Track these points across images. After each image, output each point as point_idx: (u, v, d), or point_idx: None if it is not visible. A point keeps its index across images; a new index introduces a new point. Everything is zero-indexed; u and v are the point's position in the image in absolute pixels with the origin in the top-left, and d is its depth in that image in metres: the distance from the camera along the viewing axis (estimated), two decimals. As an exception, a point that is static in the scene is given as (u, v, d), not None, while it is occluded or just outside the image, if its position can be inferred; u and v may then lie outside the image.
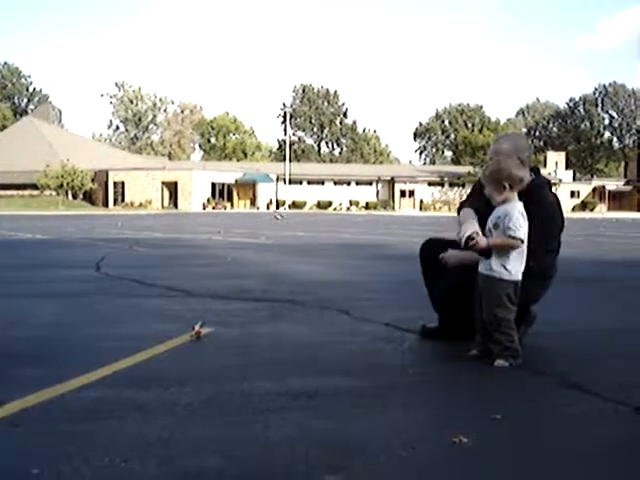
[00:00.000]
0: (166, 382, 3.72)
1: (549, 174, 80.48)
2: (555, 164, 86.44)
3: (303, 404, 3.39)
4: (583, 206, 79.14)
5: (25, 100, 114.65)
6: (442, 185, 78.34)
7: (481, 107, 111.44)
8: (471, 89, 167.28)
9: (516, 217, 4.09)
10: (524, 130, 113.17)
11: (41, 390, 3.51)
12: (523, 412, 3.35)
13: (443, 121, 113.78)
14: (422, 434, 3.00)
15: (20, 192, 66.48)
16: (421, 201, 76.44)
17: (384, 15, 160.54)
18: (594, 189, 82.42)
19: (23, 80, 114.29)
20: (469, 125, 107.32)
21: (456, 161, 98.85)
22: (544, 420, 3.22)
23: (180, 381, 3.75)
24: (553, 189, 4.75)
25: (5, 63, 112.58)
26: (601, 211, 73.45)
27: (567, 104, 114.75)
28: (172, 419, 3.13)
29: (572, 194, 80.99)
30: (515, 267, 4.15)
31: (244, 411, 3.26)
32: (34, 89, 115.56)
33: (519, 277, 4.18)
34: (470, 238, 4.20)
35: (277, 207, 72.58)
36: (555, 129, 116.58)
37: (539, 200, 4.42)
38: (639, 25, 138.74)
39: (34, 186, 65.07)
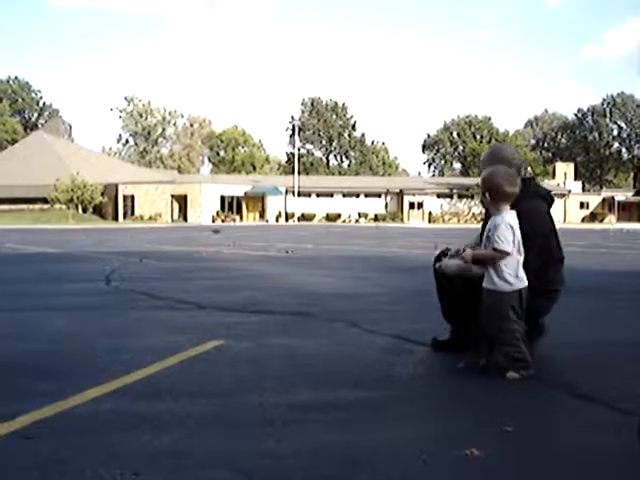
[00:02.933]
0: (177, 394, 3.73)
1: (558, 185, 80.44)
2: (564, 175, 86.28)
3: (314, 416, 3.39)
4: (592, 217, 78.88)
5: (35, 115, 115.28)
6: (451, 197, 78.22)
7: (489, 119, 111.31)
8: (479, 101, 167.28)
9: (502, 229, 4.08)
10: (533, 142, 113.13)
11: (53, 403, 3.53)
12: (535, 424, 3.34)
13: (451, 133, 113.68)
14: (433, 446, 3.00)
15: (30, 206, 66.70)
16: (430, 213, 76.32)
17: (392, 28, 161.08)
18: (603, 200, 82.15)
19: (33, 95, 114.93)
20: (477, 137, 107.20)
21: (465, 173, 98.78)
22: (556, 432, 3.21)
23: (191, 393, 3.76)
24: (557, 198, 4.75)
25: (15, 78, 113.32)
26: (610, 222, 73.18)
27: (575, 115, 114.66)
28: (183, 432, 3.13)
29: (581, 205, 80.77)
30: (515, 277, 4.12)
31: (255, 423, 3.26)
32: (44, 104, 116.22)
33: (521, 285, 4.14)
34: (457, 252, 4.28)
35: (286, 220, 72.63)
36: (564, 140, 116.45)
37: (517, 212, 4.35)
38: (637, 40, 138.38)
39: (44, 200, 65.25)
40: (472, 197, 77.69)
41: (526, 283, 4.17)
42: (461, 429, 3.25)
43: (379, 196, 78.37)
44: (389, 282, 9.98)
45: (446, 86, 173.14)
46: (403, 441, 3.07)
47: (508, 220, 4.12)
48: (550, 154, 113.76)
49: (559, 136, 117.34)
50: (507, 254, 4.09)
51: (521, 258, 4.15)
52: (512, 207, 4.27)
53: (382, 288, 9.09)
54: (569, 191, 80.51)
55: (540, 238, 4.55)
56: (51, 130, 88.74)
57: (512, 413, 3.51)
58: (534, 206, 4.64)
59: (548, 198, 4.90)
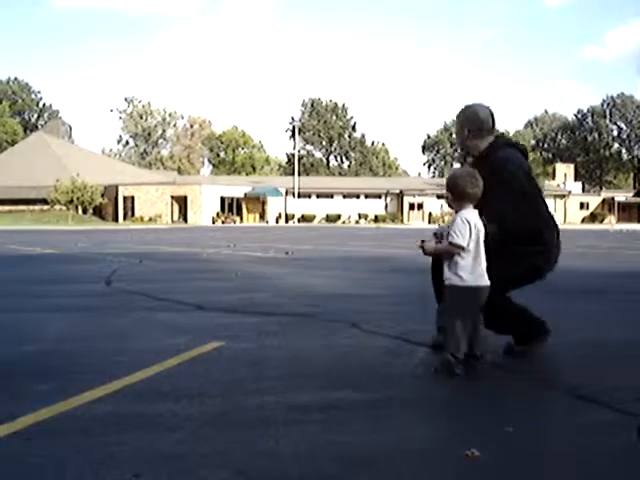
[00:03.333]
0: (177, 395, 3.73)
1: (558, 186, 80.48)
2: (564, 176, 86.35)
3: (314, 417, 3.39)
4: (592, 218, 78.94)
5: (35, 116, 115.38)
6: (447, 197, 78.22)
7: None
8: (479, 101, 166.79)
9: (457, 224, 4.17)
10: (532, 142, 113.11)
11: (53, 404, 3.53)
12: (535, 424, 3.34)
13: (451, 134, 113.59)
14: (434, 447, 3.00)
15: (30, 207, 66.76)
16: (430, 214, 76.34)
17: (392, 29, 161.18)
18: (603, 200, 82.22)
19: (33, 96, 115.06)
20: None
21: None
22: (556, 433, 3.20)
23: (191, 395, 3.76)
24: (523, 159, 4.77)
25: (15, 79, 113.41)
26: (610, 223, 73.19)
27: (575, 116, 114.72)
28: (184, 433, 3.13)
29: (581, 206, 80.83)
30: (469, 274, 4.16)
31: (255, 425, 3.26)
32: (44, 105, 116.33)
33: (475, 283, 4.16)
34: (422, 241, 4.34)
35: (286, 221, 72.64)
36: (564, 141, 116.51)
37: (492, 163, 4.56)
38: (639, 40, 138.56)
39: (44, 201, 65.31)
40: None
41: (484, 282, 4.18)
42: (461, 430, 3.25)
43: (379, 197, 78.42)
44: (389, 283, 9.98)
45: (446, 87, 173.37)
46: (404, 442, 3.07)
47: (465, 215, 4.19)
48: (550, 155, 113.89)
49: (559, 137, 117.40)
50: (461, 248, 4.13)
51: (481, 257, 4.19)
52: (487, 160, 4.59)
53: (382, 289, 9.09)
54: (569, 192, 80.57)
55: (518, 182, 4.58)
56: (51, 131, 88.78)
57: (512, 413, 3.51)
58: (508, 153, 4.71)
59: (522, 148, 4.93)
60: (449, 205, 4.40)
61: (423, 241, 4.37)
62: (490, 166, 4.56)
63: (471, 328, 4.19)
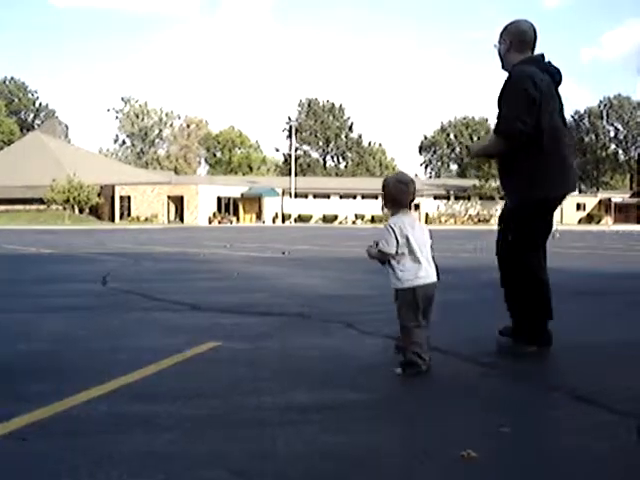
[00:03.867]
0: (174, 396, 3.72)
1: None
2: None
3: (310, 417, 3.39)
4: (589, 219, 79.01)
5: (32, 115, 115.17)
6: (448, 198, 78.33)
7: (486, 120, 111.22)
8: (476, 102, 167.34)
9: (384, 232, 4.35)
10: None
11: (49, 404, 3.52)
12: (532, 425, 3.34)
13: (448, 134, 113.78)
14: (430, 447, 2.99)
15: (27, 207, 66.68)
16: (427, 214, 76.35)
17: (389, 29, 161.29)
18: (600, 202, 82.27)
19: (30, 95, 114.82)
20: (474, 138, 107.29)
21: (462, 174, 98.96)
22: (553, 433, 3.20)
23: (188, 395, 3.75)
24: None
25: (12, 78, 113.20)
26: (607, 224, 73.29)
27: (572, 117, 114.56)
28: (180, 433, 3.13)
29: (578, 207, 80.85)
30: (406, 275, 4.29)
31: (252, 425, 3.25)
32: (40, 104, 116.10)
33: (414, 284, 4.27)
34: (370, 246, 4.51)
35: (283, 221, 72.65)
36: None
37: (510, 74, 4.89)
38: (638, 40, 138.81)
39: (41, 201, 65.26)
40: (469, 199, 77.78)
41: (426, 281, 4.30)
42: (458, 430, 3.25)
43: (376, 197, 78.31)
44: (385, 283, 9.96)
45: (443, 87, 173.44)
46: (399, 442, 3.07)
47: (393, 222, 4.34)
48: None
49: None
50: (389, 255, 4.31)
51: (420, 256, 4.31)
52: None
53: (378, 289, 9.06)
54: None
55: (519, 87, 4.73)
56: (47, 131, 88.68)
57: (510, 414, 3.52)
58: (521, 67, 4.86)
59: (549, 67, 4.98)
60: (386, 208, 4.58)
61: (370, 245, 4.52)
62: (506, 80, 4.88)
63: (425, 330, 4.33)
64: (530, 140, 4.68)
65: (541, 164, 4.75)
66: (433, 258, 4.41)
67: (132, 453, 2.89)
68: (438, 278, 4.42)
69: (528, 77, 4.74)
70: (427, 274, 4.31)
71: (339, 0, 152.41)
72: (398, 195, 4.42)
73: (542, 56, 5.01)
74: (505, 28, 5.05)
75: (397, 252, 4.29)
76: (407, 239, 4.28)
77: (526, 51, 4.96)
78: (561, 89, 5.04)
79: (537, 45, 5.05)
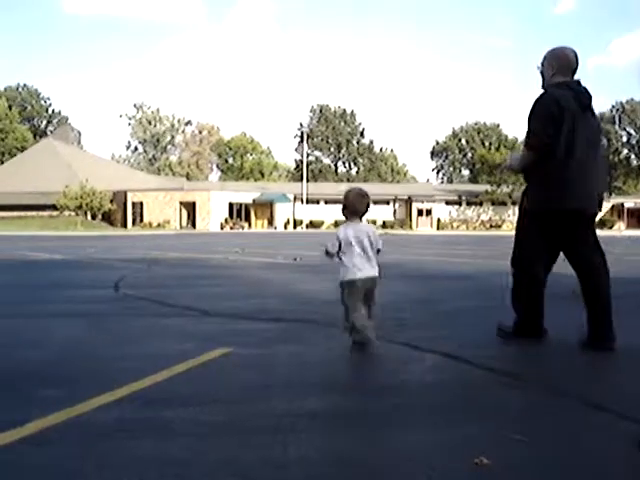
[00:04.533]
0: (185, 402, 3.73)
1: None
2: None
3: (322, 424, 3.38)
4: (601, 224, 78.62)
5: (44, 122, 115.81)
6: (460, 204, 78.15)
7: (498, 125, 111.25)
8: (488, 107, 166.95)
9: (334, 236, 5.35)
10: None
11: (61, 410, 3.53)
12: (545, 432, 3.32)
13: (460, 140, 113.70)
14: (442, 455, 2.98)
15: (39, 213, 66.95)
16: (438, 220, 76.25)
17: (400, 35, 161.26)
18: (612, 207, 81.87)
19: (42, 102, 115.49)
20: (486, 144, 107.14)
21: (473, 180, 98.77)
22: (565, 440, 3.19)
23: (199, 401, 3.76)
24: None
25: (24, 85, 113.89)
26: (619, 229, 72.92)
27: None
28: (191, 439, 3.13)
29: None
30: (347, 270, 5.30)
31: (262, 431, 3.25)
32: (53, 111, 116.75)
33: (353, 277, 5.27)
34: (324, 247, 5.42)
35: (294, 227, 72.70)
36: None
37: (541, 94, 5.36)
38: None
39: (53, 207, 65.51)
40: (481, 204, 77.57)
41: (364, 275, 5.28)
42: (470, 437, 3.23)
43: (387, 203, 78.36)
44: (396, 289, 9.95)
45: (455, 93, 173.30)
46: (411, 450, 3.06)
47: (341, 229, 5.38)
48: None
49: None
50: (332, 254, 5.34)
51: (358, 256, 5.30)
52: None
53: (389, 295, 9.05)
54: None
55: (536, 108, 5.26)
56: (60, 137, 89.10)
57: (522, 421, 3.50)
58: (553, 90, 5.32)
59: (577, 89, 5.34)
60: (344, 215, 5.49)
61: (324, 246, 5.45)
62: None
63: (365, 318, 5.27)
64: (548, 154, 5.16)
65: (553, 177, 5.19)
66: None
67: (145, 459, 2.90)
68: (380, 275, 5.47)
69: (554, 99, 5.18)
70: (365, 270, 5.30)
71: (349, 6, 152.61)
72: (357, 206, 5.41)
73: (577, 82, 5.40)
74: (552, 52, 5.48)
75: (339, 252, 5.31)
76: (350, 243, 5.27)
77: (567, 75, 5.39)
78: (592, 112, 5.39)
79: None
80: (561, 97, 5.19)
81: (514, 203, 77.19)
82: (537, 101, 5.29)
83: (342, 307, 5.35)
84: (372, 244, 5.37)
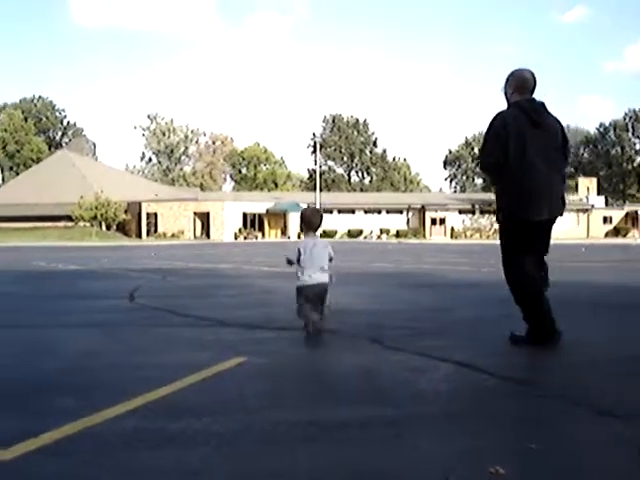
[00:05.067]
0: (199, 412, 3.73)
1: (580, 200, 79.92)
2: (587, 190, 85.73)
3: (335, 434, 3.38)
4: (616, 232, 78.25)
5: (59, 133, 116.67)
6: (473, 213, 77.91)
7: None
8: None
9: (295, 247, 6.35)
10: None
11: (76, 420, 3.54)
12: (559, 441, 3.30)
13: (473, 148, 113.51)
14: (458, 465, 2.97)
15: (55, 224, 67.34)
16: (452, 229, 76.07)
17: (411, 44, 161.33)
18: (626, 214, 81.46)
19: (57, 114, 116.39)
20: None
21: (487, 188, 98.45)
22: (579, 450, 3.17)
23: (213, 411, 3.76)
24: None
25: (40, 97, 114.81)
26: (634, 237, 72.52)
27: (597, 129, 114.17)
28: (205, 449, 3.13)
29: (604, 220, 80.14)
30: (301, 278, 6.27)
31: (276, 441, 3.25)
32: (68, 123, 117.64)
33: (305, 284, 6.22)
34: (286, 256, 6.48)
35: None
36: (586, 155, 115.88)
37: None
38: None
39: (68, 218, 65.92)
40: (494, 213, 77.38)
41: (314, 282, 6.20)
42: (485, 447, 3.22)
43: (401, 212, 78.31)
44: (410, 298, 9.94)
45: (467, 102, 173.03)
46: (426, 459, 3.05)
47: (301, 242, 6.37)
48: (572, 169, 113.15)
49: (581, 151, 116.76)
50: (292, 262, 6.35)
51: (311, 267, 6.21)
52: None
53: (403, 304, 9.06)
54: (592, 206, 79.96)
55: (491, 127, 5.64)
56: (75, 149, 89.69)
57: (536, 430, 3.48)
58: (502, 111, 5.73)
59: (526, 108, 5.67)
60: (301, 229, 6.57)
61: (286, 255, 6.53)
62: None
63: (314, 315, 6.16)
64: (502, 170, 5.62)
65: (511, 191, 5.68)
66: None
67: (160, 470, 2.90)
68: (331, 280, 6.37)
69: (502, 118, 5.62)
70: (316, 278, 6.20)
71: (361, 16, 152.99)
72: (312, 220, 6.52)
73: (529, 100, 5.76)
74: (512, 74, 5.88)
75: (299, 261, 6.24)
76: (306, 253, 6.20)
77: (525, 94, 5.78)
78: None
79: (537, 84, 5.86)
80: (509, 117, 5.61)
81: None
82: (489, 123, 5.70)
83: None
84: (324, 255, 6.26)
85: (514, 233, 5.75)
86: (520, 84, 5.79)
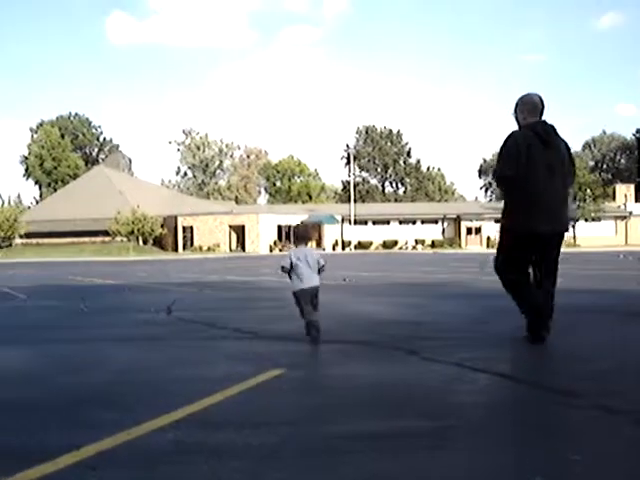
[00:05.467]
0: (239, 424, 3.75)
1: (618, 207, 78.89)
2: (624, 197, 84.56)
3: (375, 446, 3.37)
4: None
5: (96, 150, 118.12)
6: (510, 221, 77.23)
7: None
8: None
9: (285, 256, 7.15)
10: (591, 163, 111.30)
11: (116, 433, 3.58)
12: (600, 451, 3.26)
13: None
14: (498, 476, 2.95)
15: (92, 239, 68.18)
16: (488, 238, 75.48)
17: (444, 53, 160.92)
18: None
19: (94, 130, 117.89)
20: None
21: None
22: (620, 460, 3.13)
23: (252, 423, 3.77)
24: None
25: (76, 114, 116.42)
26: (674, 243, 71.33)
27: (634, 135, 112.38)
28: (245, 462, 3.14)
29: (644, 227, 78.94)
30: (295, 283, 7.06)
31: (316, 454, 3.26)
32: (104, 139, 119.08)
33: (299, 288, 6.99)
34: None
35: (343, 248, 72.75)
36: (623, 161, 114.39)
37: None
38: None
39: (106, 233, 66.68)
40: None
41: (305, 286, 6.94)
42: (527, 458, 3.19)
43: (436, 222, 77.98)
44: (447, 309, 9.89)
45: (501, 110, 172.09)
46: (467, 471, 3.03)
47: (292, 252, 7.15)
48: (610, 175, 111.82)
49: (618, 157, 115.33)
50: (285, 268, 7.11)
51: (304, 274, 6.98)
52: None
53: (441, 315, 9.01)
54: (630, 213, 78.82)
55: (504, 145, 6.23)
56: (111, 164, 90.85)
57: (576, 441, 3.44)
58: (515, 132, 6.33)
59: (538, 129, 6.24)
60: (294, 242, 7.46)
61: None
62: None
63: (313, 315, 6.91)
64: (514, 184, 6.15)
65: (519, 203, 6.22)
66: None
67: (199, 481, 2.92)
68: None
69: (513, 138, 6.18)
70: (308, 282, 6.95)
71: (393, 26, 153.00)
72: (303, 235, 7.50)
73: (540, 122, 6.31)
74: (521, 99, 6.44)
75: (291, 267, 7.02)
76: (298, 262, 6.98)
77: (535, 116, 6.34)
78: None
79: (546, 107, 6.42)
80: (519, 137, 6.19)
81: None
82: (503, 141, 6.26)
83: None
84: (314, 262, 7.07)
85: (515, 240, 6.31)
86: (530, 108, 6.34)
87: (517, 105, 6.46)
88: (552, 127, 6.32)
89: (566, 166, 6.34)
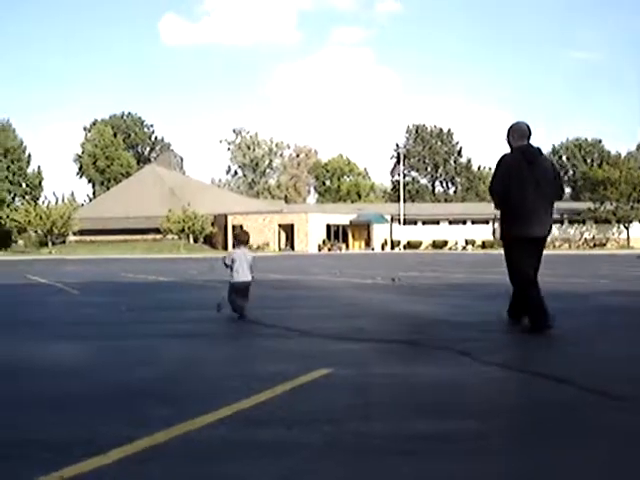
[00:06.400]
0: (289, 422, 3.76)
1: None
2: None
3: (423, 446, 3.35)
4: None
5: (148, 148, 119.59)
6: (561, 222, 76.13)
7: (600, 141, 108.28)
8: (588, 123, 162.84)
9: (226, 256, 9.06)
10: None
11: (167, 428, 3.62)
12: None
13: (560, 156, 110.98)
14: (549, 478, 2.91)
15: (144, 236, 69.14)
16: (539, 239, 74.45)
17: (494, 50, 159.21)
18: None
19: (146, 129, 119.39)
20: (588, 160, 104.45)
21: (575, 197, 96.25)
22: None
23: (302, 421, 3.78)
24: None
25: (129, 114, 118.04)
26: None
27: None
28: (296, 459, 3.15)
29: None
30: (233, 276, 8.82)
31: (364, 453, 3.25)
32: (156, 138, 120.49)
33: (234, 281, 8.80)
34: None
35: (392, 247, 72.54)
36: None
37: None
38: None
39: (157, 230, 67.53)
40: (583, 222, 75.48)
41: (239, 280, 8.75)
42: (573, 462, 3.14)
43: (486, 222, 77.08)
44: (496, 309, 9.78)
45: (553, 109, 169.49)
46: (516, 474, 3.00)
47: (232, 251, 9.12)
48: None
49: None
50: (226, 265, 8.92)
51: (240, 269, 8.79)
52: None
53: (489, 315, 8.91)
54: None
55: (497, 167, 7.46)
56: (163, 163, 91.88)
57: (631, 444, 3.38)
58: (506, 154, 7.50)
59: (525, 150, 7.37)
60: (233, 244, 9.55)
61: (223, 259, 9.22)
62: None
63: (242, 302, 8.65)
64: (505, 197, 7.27)
65: (511, 214, 7.35)
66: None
67: (247, 479, 2.93)
68: (253, 279, 8.90)
69: (504, 159, 7.39)
70: (243, 277, 8.75)
71: (441, 24, 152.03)
72: (241, 238, 9.24)
73: (527, 145, 7.45)
74: (511, 127, 7.61)
75: (232, 264, 8.79)
76: (237, 260, 8.78)
77: (524, 140, 7.47)
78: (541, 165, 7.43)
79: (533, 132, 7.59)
80: (510, 158, 7.40)
81: (619, 221, 74.70)
82: (497, 162, 7.45)
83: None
84: (249, 262, 8.87)
85: (512, 245, 7.46)
86: (520, 134, 7.51)
87: (509, 131, 7.61)
88: (538, 149, 7.48)
89: (550, 181, 7.35)
